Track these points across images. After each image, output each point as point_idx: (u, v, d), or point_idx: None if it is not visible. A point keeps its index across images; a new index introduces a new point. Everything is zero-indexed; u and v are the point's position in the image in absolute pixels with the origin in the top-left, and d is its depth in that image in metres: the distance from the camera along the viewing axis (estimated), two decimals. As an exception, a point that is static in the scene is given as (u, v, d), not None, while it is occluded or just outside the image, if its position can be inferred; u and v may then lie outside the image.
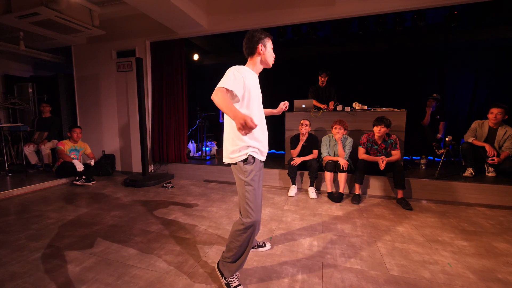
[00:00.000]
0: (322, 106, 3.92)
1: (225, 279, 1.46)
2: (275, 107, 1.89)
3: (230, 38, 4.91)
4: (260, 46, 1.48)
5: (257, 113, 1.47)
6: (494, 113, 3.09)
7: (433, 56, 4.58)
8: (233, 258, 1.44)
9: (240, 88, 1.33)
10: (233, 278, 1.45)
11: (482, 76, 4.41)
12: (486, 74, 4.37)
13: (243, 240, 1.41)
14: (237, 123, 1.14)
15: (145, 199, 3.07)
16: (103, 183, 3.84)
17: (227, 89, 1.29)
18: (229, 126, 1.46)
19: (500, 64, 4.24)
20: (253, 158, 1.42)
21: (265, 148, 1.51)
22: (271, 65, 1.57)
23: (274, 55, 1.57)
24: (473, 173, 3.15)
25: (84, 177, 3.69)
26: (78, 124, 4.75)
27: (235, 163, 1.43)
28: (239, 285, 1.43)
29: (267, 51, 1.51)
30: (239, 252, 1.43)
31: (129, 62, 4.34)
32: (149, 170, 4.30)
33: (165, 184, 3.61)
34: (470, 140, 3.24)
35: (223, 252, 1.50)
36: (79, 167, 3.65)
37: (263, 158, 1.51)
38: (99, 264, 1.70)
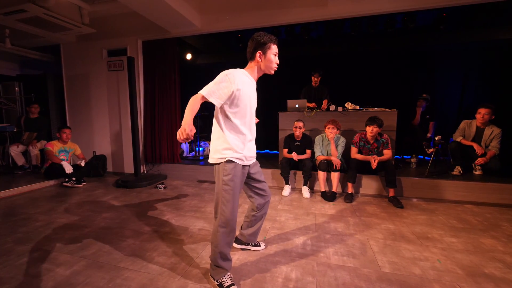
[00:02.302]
0: (311, 105, 3.97)
1: (217, 281, 1.45)
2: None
3: (224, 37, 4.89)
4: (258, 54, 1.40)
5: (246, 121, 1.45)
6: (482, 113, 3.18)
7: (423, 57, 4.68)
8: (216, 261, 1.45)
9: (220, 97, 1.31)
10: (225, 278, 1.44)
11: (470, 77, 4.53)
12: (474, 75, 4.50)
13: (219, 239, 1.42)
14: (181, 127, 1.22)
15: (137, 200, 3.03)
16: (94, 184, 3.76)
17: (203, 96, 1.30)
18: (216, 128, 1.47)
19: (487, 65, 4.37)
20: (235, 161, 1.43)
21: (249, 155, 1.51)
22: (272, 73, 1.49)
23: (277, 62, 1.45)
24: (461, 172, 3.24)
25: (74, 178, 3.61)
26: (68, 125, 4.64)
27: (218, 163, 1.44)
28: (232, 284, 1.43)
29: (266, 59, 1.41)
30: (219, 252, 1.43)
31: (121, 61, 4.27)
32: (142, 171, 4.24)
33: (158, 185, 3.56)
34: (459, 139, 3.32)
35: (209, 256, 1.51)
36: (68, 169, 3.56)
37: (247, 163, 1.51)
38: (90, 267, 1.66)
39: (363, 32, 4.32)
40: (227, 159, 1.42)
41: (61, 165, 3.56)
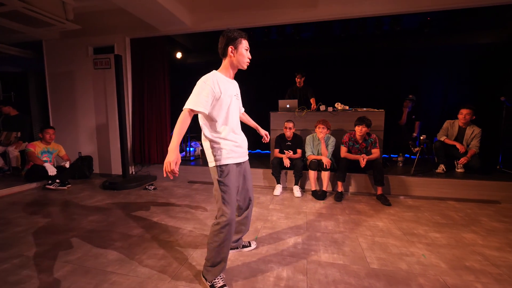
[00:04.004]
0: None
1: (209, 282, 1.44)
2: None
3: (214, 36, 4.79)
4: (230, 49, 1.42)
5: (231, 119, 1.47)
6: (464, 114, 3.32)
7: (409, 59, 4.83)
8: (213, 261, 1.43)
9: (206, 105, 1.35)
10: (217, 279, 1.44)
11: (453, 79, 4.72)
12: (456, 77, 4.69)
13: (221, 240, 1.41)
14: (166, 160, 1.22)
15: (125, 202, 2.95)
16: (80, 186, 3.64)
17: (191, 109, 1.33)
18: (205, 132, 1.48)
19: (469, 68, 4.56)
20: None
21: (242, 151, 1.53)
22: (245, 67, 1.50)
23: (249, 56, 1.48)
24: (444, 170, 3.37)
25: (58, 180, 3.47)
26: (51, 125, 4.46)
27: (213, 169, 1.45)
28: (224, 285, 1.42)
29: (238, 53, 1.42)
30: (218, 253, 1.42)
31: (107, 59, 4.15)
32: (130, 172, 4.14)
33: (147, 186, 3.49)
34: (442, 138, 3.46)
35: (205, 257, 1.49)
36: (51, 170, 3.42)
37: (241, 160, 1.53)
38: (75, 272, 1.61)
39: (352, 34, 4.41)
40: (221, 164, 1.43)
41: (44, 167, 3.42)
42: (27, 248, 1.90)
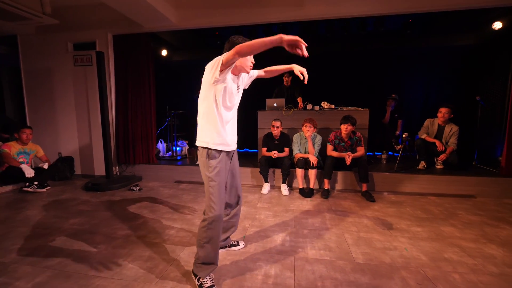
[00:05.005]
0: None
1: (198, 280, 1.43)
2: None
3: (201, 34, 4.79)
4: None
5: (230, 112, 1.50)
6: (443, 112, 3.47)
7: (392, 59, 4.99)
8: (203, 259, 1.43)
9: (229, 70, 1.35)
10: (206, 279, 1.43)
11: (433, 79, 4.93)
12: (436, 77, 4.89)
13: (209, 236, 1.41)
14: (283, 43, 1.17)
15: (109, 203, 2.86)
16: (60, 188, 3.48)
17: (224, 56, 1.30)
18: (200, 115, 1.48)
19: (448, 68, 4.77)
20: (219, 152, 1.45)
21: (231, 141, 1.54)
22: (248, 71, 1.56)
23: (252, 61, 1.53)
24: (425, 166, 3.51)
25: (36, 182, 3.30)
26: (28, 124, 4.23)
27: (201, 149, 1.46)
28: (212, 285, 1.41)
29: (243, 58, 1.46)
30: (207, 250, 1.42)
31: (89, 56, 3.99)
32: (114, 173, 4.01)
33: (132, 187, 3.40)
34: (423, 136, 3.60)
35: (195, 255, 1.48)
36: (29, 172, 3.25)
37: (230, 148, 1.52)
38: (55, 277, 1.54)
39: (337, 34, 4.48)
40: (211, 148, 1.43)
41: (21, 169, 3.24)
42: (2, 254, 1.79)
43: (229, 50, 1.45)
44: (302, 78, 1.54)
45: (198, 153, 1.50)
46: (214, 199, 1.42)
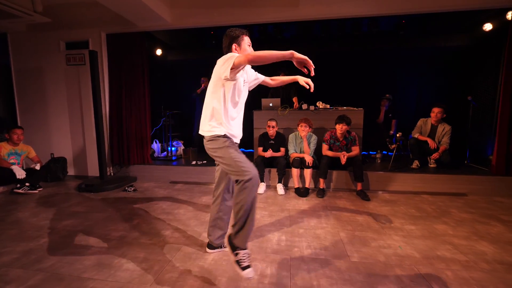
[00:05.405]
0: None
1: (236, 254, 1.38)
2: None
3: (196, 33, 4.76)
4: (234, 46, 1.48)
5: (236, 109, 1.55)
6: (435, 112, 3.53)
7: (386, 60, 5.04)
8: (241, 222, 1.37)
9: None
10: (244, 256, 1.38)
11: (426, 79, 5.00)
12: (429, 77, 4.96)
13: (247, 196, 1.34)
14: (293, 60, 1.31)
15: (103, 205, 2.82)
16: (53, 189, 3.42)
17: (237, 57, 1.32)
18: (206, 108, 1.51)
19: (440, 69, 4.85)
20: (225, 136, 1.50)
21: (236, 134, 1.60)
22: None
23: (249, 43, 1.55)
24: (418, 165, 3.56)
25: (27, 184, 3.24)
26: (19, 124, 4.15)
27: (209, 138, 1.50)
28: (248, 266, 1.37)
29: (241, 50, 1.50)
30: (246, 212, 1.36)
31: (82, 55, 3.93)
32: (108, 173, 3.96)
33: (126, 188, 3.36)
34: (416, 135, 3.65)
35: (231, 226, 1.46)
36: (20, 173, 3.18)
37: (235, 140, 1.59)
38: (48, 280, 1.51)
39: (332, 34, 4.51)
40: (219, 134, 1.48)
41: (11, 170, 3.18)
42: (-8, 257, 1.76)
43: (228, 45, 1.50)
44: (308, 87, 1.56)
45: (205, 141, 1.53)
46: (241, 163, 1.38)
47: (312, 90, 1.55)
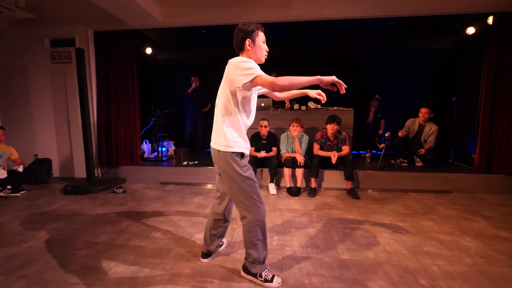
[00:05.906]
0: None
1: (260, 276, 1.45)
2: None
3: (187, 32, 4.70)
4: (248, 42, 1.35)
5: (250, 118, 1.50)
6: (423, 112, 3.64)
7: (375, 61, 5.16)
8: (258, 256, 1.43)
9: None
10: (265, 272, 1.46)
11: (413, 80, 5.15)
12: (417, 78, 5.11)
13: (259, 234, 1.41)
14: (321, 84, 1.25)
15: (91, 207, 2.75)
16: (37, 192, 3.30)
17: (260, 76, 1.22)
18: (220, 117, 1.40)
19: (427, 70, 5.00)
20: (243, 154, 1.44)
21: (248, 145, 1.53)
22: (263, 61, 1.43)
23: (266, 49, 1.42)
24: (406, 164, 3.67)
25: (9, 186, 3.10)
26: (0, 124, 3.97)
27: (227, 155, 1.38)
28: (273, 276, 1.46)
29: (256, 46, 1.36)
30: (260, 247, 1.43)
31: (67, 53, 3.80)
32: (96, 175, 3.85)
33: (115, 189, 3.28)
34: (400, 134, 3.73)
35: (245, 259, 1.50)
36: (1, 174, 3.05)
37: (247, 154, 1.52)
38: (31, 286, 1.46)
39: (323, 35, 4.56)
40: (238, 152, 1.39)
41: (-8, 172, 3.04)
42: (-29, 264, 1.67)
43: (241, 40, 1.36)
44: (321, 99, 1.47)
45: (219, 157, 1.40)
46: (257, 197, 1.39)
47: (324, 100, 1.46)
